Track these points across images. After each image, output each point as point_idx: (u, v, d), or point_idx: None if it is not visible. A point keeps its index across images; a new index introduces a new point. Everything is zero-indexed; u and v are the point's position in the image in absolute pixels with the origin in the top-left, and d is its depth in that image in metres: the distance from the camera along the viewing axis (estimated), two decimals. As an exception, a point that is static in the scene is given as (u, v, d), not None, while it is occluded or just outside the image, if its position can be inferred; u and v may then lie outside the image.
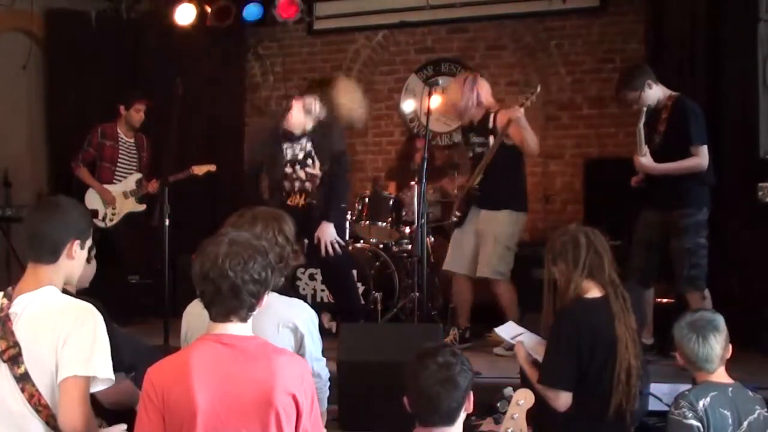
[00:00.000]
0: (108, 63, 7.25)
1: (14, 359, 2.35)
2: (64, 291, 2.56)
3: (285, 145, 5.12)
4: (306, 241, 5.12)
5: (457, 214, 5.45)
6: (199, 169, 6.28)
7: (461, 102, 5.33)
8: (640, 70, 4.95)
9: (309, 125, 5.07)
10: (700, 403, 2.84)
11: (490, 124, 5.29)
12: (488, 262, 5.21)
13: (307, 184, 5.09)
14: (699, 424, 2.82)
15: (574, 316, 3.27)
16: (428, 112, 5.25)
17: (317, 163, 5.07)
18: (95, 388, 2.39)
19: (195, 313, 2.64)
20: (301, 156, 5.08)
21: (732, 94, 5.50)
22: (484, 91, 5.34)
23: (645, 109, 4.81)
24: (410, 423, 2.38)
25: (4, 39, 6.96)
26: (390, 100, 7.65)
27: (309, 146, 5.06)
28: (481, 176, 5.26)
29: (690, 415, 2.83)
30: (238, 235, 2.38)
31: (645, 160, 4.80)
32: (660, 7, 6.05)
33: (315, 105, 5.02)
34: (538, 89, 5.30)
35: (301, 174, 5.07)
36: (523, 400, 2.50)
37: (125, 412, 2.58)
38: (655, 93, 4.84)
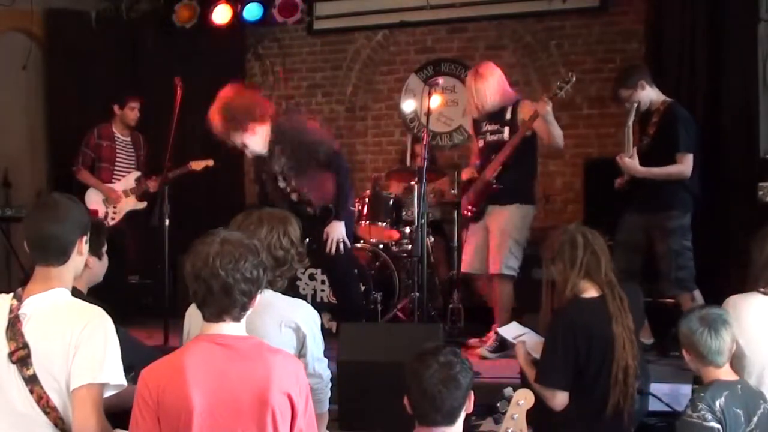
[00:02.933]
0: (108, 63, 7.25)
1: (23, 361, 2.34)
2: (74, 292, 2.55)
3: (271, 161, 4.97)
4: (308, 240, 5.08)
5: (471, 209, 5.31)
6: (197, 165, 6.29)
7: (491, 95, 5.16)
8: (635, 69, 4.96)
9: (259, 140, 4.86)
10: (717, 404, 2.80)
11: (508, 115, 5.17)
12: (499, 258, 5.11)
13: (293, 195, 5.00)
14: (719, 426, 2.77)
15: (570, 315, 3.27)
16: (428, 112, 5.23)
17: (294, 178, 4.94)
18: (107, 394, 2.38)
19: (197, 311, 2.63)
20: (286, 169, 4.95)
21: (732, 94, 5.50)
22: (502, 80, 5.23)
23: (634, 108, 4.80)
24: (410, 423, 2.38)
25: (4, 39, 6.97)
26: (390, 100, 7.64)
27: (283, 162, 4.90)
28: (500, 169, 5.12)
29: (710, 417, 2.78)
30: (230, 234, 2.38)
31: (630, 161, 4.78)
32: (660, 7, 6.05)
33: (231, 138, 4.84)
34: (573, 78, 5.06)
35: (289, 185, 4.99)
36: (523, 400, 2.50)
37: (123, 413, 2.57)
38: (648, 94, 4.84)
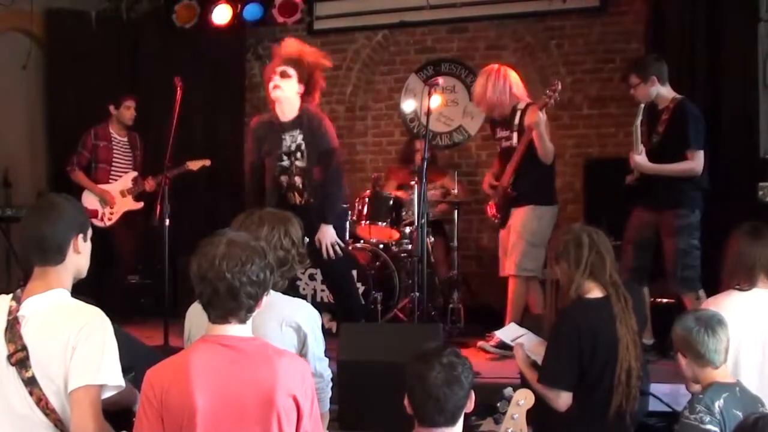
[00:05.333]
0: (108, 63, 7.25)
1: (22, 363, 2.33)
2: None
3: (282, 135, 4.98)
4: (306, 240, 5.07)
5: (496, 215, 5.38)
6: (194, 164, 6.28)
7: (493, 95, 5.17)
8: (654, 62, 4.91)
9: (293, 100, 4.89)
10: (716, 405, 2.78)
11: (516, 120, 5.19)
12: (512, 258, 5.14)
13: (297, 179, 4.99)
14: (717, 429, 2.74)
15: (575, 316, 3.27)
16: (428, 112, 5.23)
17: (305, 158, 4.96)
18: (105, 395, 2.37)
19: (198, 311, 2.65)
20: (293, 147, 4.95)
21: (732, 94, 5.50)
22: (514, 83, 5.23)
23: (641, 108, 4.80)
24: (410, 423, 2.38)
25: (4, 39, 6.96)
26: (390, 100, 7.64)
27: (300, 138, 4.93)
28: (513, 176, 5.17)
29: (707, 419, 2.75)
30: (236, 236, 2.36)
31: (640, 158, 4.79)
32: (660, 7, 6.04)
33: (287, 70, 4.84)
34: (559, 87, 5.06)
35: (294, 166, 4.97)
36: (523, 400, 2.50)
37: (122, 413, 2.57)
38: (657, 90, 4.82)
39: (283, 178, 5.03)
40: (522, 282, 5.17)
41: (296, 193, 5.02)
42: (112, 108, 6.48)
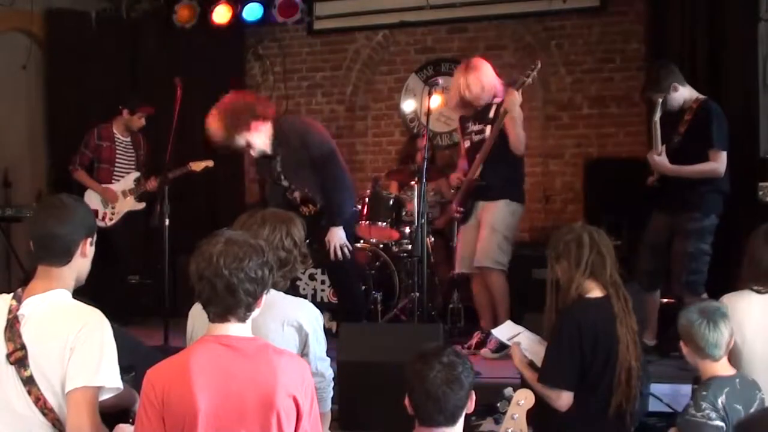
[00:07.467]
0: (108, 63, 7.26)
1: (21, 362, 2.34)
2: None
3: (272, 161, 5.00)
4: (307, 240, 5.06)
5: (460, 209, 5.30)
6: (197, 165, 6.27)
7: (482, 79, 5.09)
8: (667, 71, 4.77)
9: (268, 138, 4.84)
10: (719, 402, 2.81)
11: (491, 113, 5.13)
12: (486, 251, 5.07)
13: (296, 194, 4.99)
14: (723, 424, 2.78)
15: (575, 315, 3.27)
16: (428, 112, 5.22)
17: (291, 175, 4.97)
18: (102, 396, 2.37)
19: (200, 311, 2.65)
20: (285, 169, 4.97)
21: (732, 94, 5.50)
22: (495, 76, 5.19)
23: (659, 103, 4.67)
24: (410, 423, 2.38)
25: (4, 39, 6.97)
26: (390, 100, 7.64)
27: (283, 161, 4.92)
28: (482, 167, 5.10)
29: (714, 416, 2.78)
30: (235, 234, 2.37)
31: (660, 159, 4.66)
32: (660, 7, 6.05)
33: (240, 143, 4.77)
34: (539, 65, 5.01)
35: (291, 185, 4.99)
36: (523, 400, 2.51)
37: (120, 414, 2.57)
38: (681, 95, 4.72)
39: (291, 197, 5.03)
40: (499, 274, 5.10)
41: (304, 206, 5.00)
42: (125, 112, 6.41)
